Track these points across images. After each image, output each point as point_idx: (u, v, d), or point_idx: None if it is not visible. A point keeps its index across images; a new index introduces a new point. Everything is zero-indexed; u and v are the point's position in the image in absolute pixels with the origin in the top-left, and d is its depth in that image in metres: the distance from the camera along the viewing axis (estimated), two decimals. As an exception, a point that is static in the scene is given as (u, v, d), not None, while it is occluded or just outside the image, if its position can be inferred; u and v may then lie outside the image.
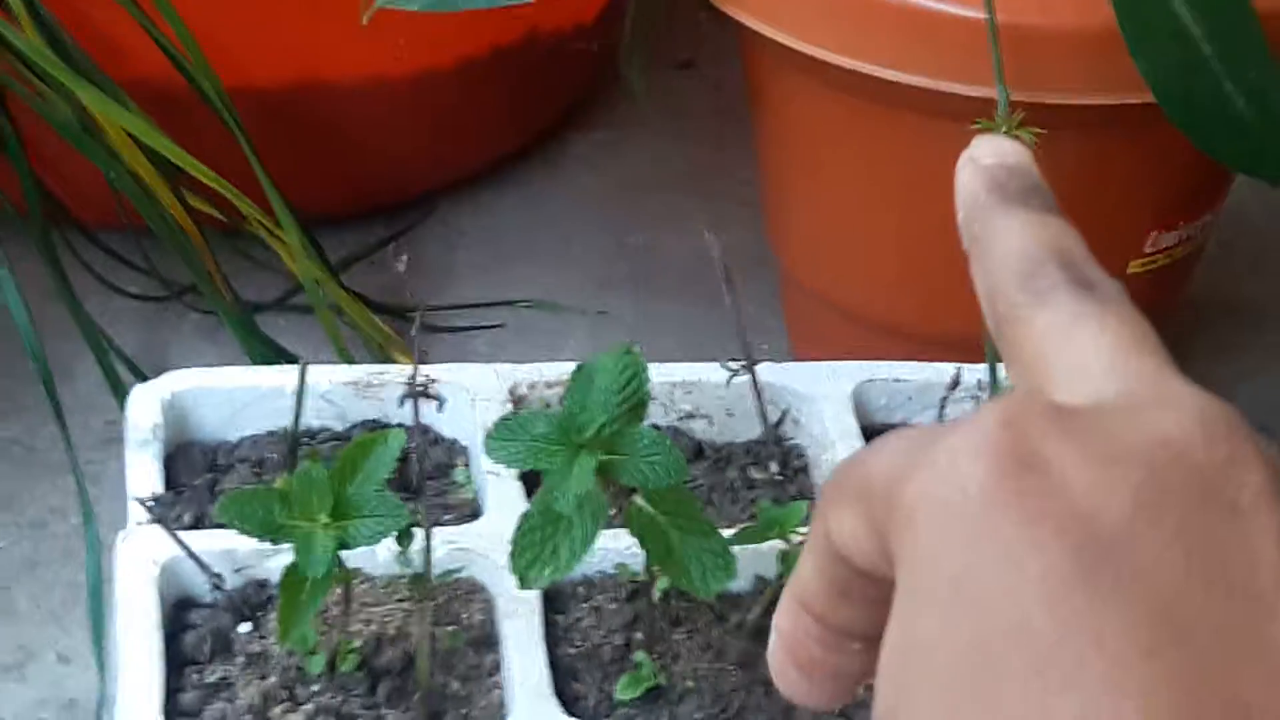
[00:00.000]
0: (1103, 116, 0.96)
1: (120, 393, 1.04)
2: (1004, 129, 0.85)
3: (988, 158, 0.42)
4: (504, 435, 0.73)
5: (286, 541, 0.73)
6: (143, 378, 1.03)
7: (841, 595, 0.36)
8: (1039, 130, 0.85)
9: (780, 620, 0.38)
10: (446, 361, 0.91)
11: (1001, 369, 0.87)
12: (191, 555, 0.79)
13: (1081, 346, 0.36)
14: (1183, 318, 1.20)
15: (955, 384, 0.87)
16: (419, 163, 1.33)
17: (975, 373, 0.89)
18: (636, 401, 0.74)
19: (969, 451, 0.33)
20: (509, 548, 0.72)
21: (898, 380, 0.92)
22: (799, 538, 0.78)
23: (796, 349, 1.18)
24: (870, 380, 0.92)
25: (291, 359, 1.12)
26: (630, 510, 0.73)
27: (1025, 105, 0.89)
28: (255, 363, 1.11)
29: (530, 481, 0.84)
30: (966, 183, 0.42)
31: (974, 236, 0.41)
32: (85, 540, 0.98)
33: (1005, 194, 0.40)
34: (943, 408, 0.87)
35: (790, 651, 0.37)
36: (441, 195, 1.34)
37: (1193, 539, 0.32)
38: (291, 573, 0.72)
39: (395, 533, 0.73)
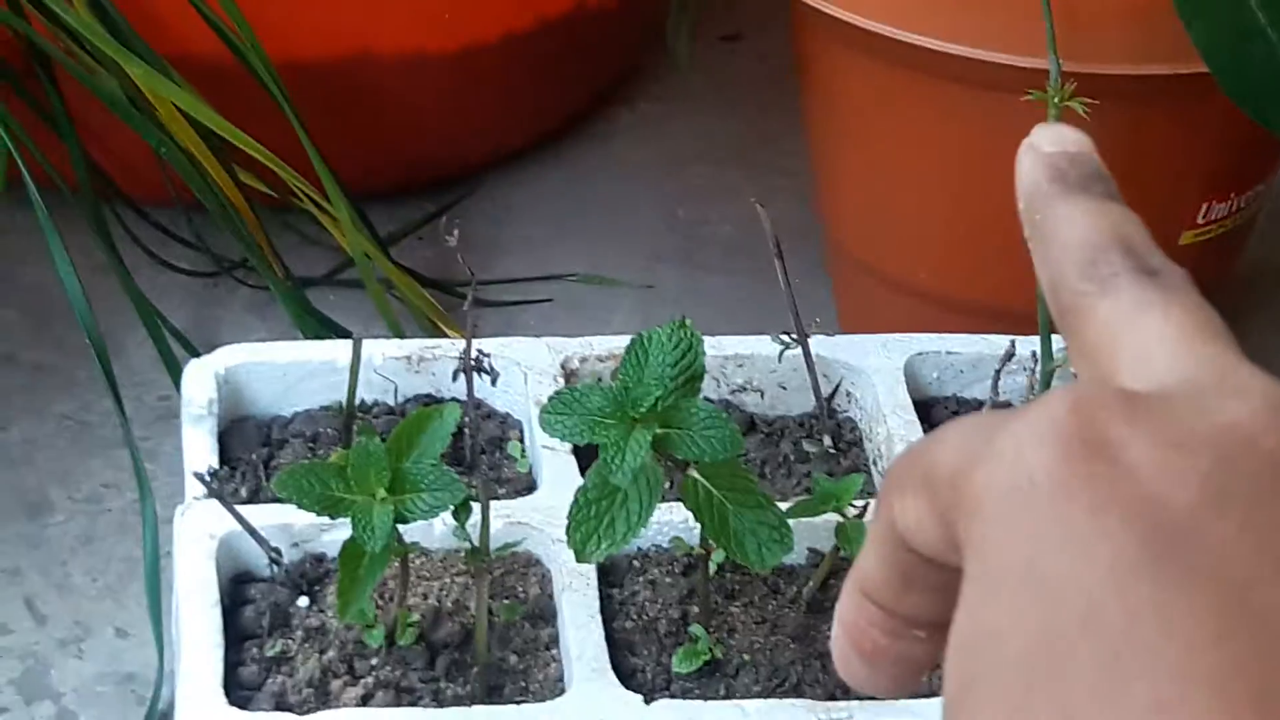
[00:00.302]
0: (1155, 87, 0.96)
1: (174, 368, 1.04)
2: (1056, 99, 0.85)
3: (1049, 145, 0.41)
4: (559, 409, 0.73)
5: (344, 516, 0.73)
6: (195, 353, 1.04)
7: (906, 583, 0.37)
8: (1091, 100, 0.85)
9: (843, 610, 0.38)
10: (496, 336, 0.91)
11: (1055, 341, 0.87)
12: (249, 530, 0.79)
13: (1146, 334, 0.36)
14: (1235, 289, 1.20)
15: (1010, 356, 0.87)
16: (466, 137, 1.33)
17: (1028, 345, 0.88)
18: (691, 375, 0.74)
19: (1034, 439, 0.33)
20: (565, 522, 0.73)
21: (950, 353, 0.92)
22: (854, 510, 0.78)
23: (844, 321, 1.18)
24: (922, 353, 0.91)
25: (343, 334, 1.13)
26: (686, 484, 0.73)
27: (1077, 76, 0.89)
28: (307, 338, 1.12)
29: (585, 456, 0.84)
30: (1028, 171, 0.42)
31: (1035, 225, 0.40)
32: (142, 516, 0.98)
33: (1066, 182, 0.40)
34: (996, 380, 0.87)
35: (854, 640, 0.38)
36: (488, 170, 1.35)
37: (1262, 526, 0.32)
38: (350, 547, 0.73)
39: (452, 507, 0.73)
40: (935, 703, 0.74)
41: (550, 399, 0.73)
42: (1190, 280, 0.38)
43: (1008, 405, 0.90)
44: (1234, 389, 0.34)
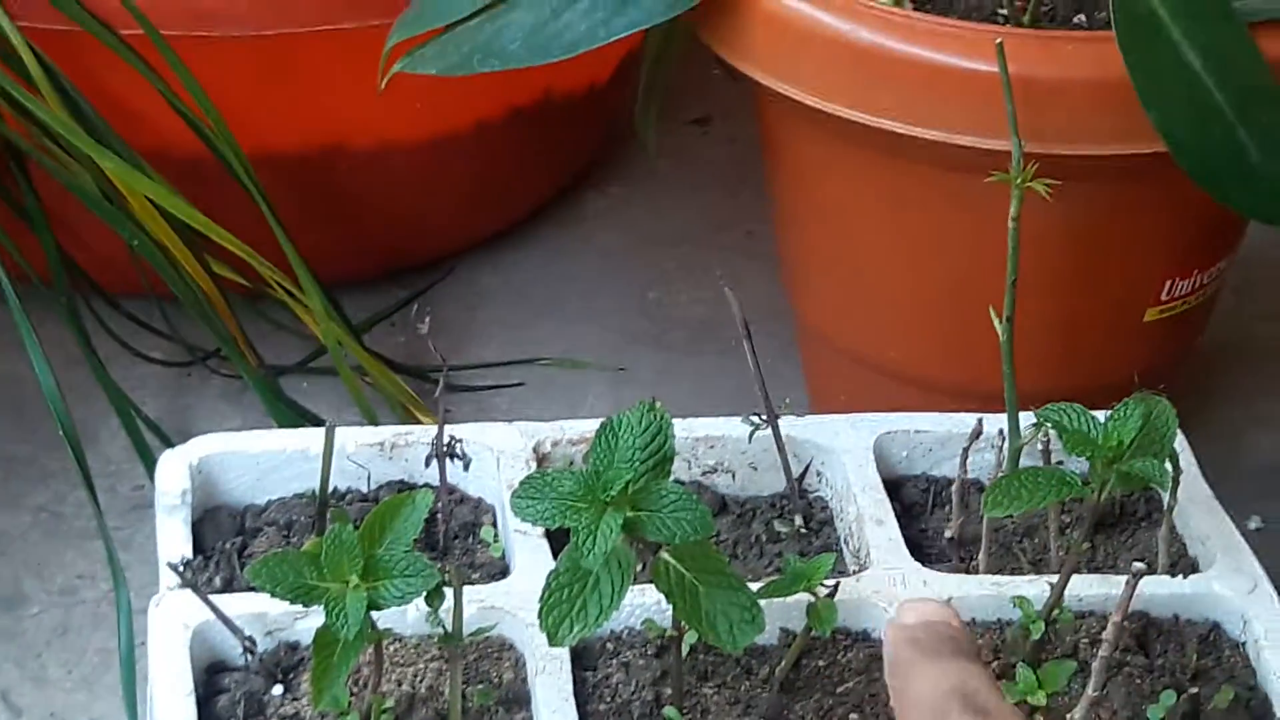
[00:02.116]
0: (1118, 167, 0.97)
1: (147, 458, 1.05)
2: (1019, 180, 0.86)
3: (911, 618, 0.52)
4: (530, 493, 0.74)
5: (318, 604, 0.73)
6: (168, 443, 1.04)
7: None
8: (1053, 181, 0.86)
9: None
10: (469, 420, 0.92)
11: (1024, 418, 0.88)
12: (223, 619, 0.79)
13: None
14: (1197, 363, 1.21)
15: (977, 435, 0.87)
16: (439, 225, 1.34)
17: (996, 422, 0.89)
18: (661, 458, 0.74)
19: None
20: (538, 606, 0.73)
21: (919, 431, 0.93)
22: (824, 590, 0.79)
23: (814, 399, 1.19)
24: (890, 432, 0.92)
25: (316, 421, 1.13)
26: (657, 566, 0.74)
27: (1039, 156, 0.90)
28: (280, 425, 1.12)
29: (557, 540, 0.84)
30: (890, 644, 0.51)
31: (894, 689, 0.50)
32: (116, 606, 0.98)
33: (920, 649, 0.50)
34: (964, 459, 0.88)
35: None
36: (460, 255, 1.36)
37: None
38: (323, 634, 0.73)
39: (425, 592, 0.73)
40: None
41: (521, 484, 0.74)
42: (1018, 712, 0.47)
43: (976, 483, 0.91)
44: None
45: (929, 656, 0.49)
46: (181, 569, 0.81)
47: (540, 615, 0.73)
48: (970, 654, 0.48)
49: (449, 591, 0.75)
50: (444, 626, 0.75)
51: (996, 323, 0.86)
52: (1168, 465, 0.76)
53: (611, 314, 1.33)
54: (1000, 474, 0.87)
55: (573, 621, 0.72)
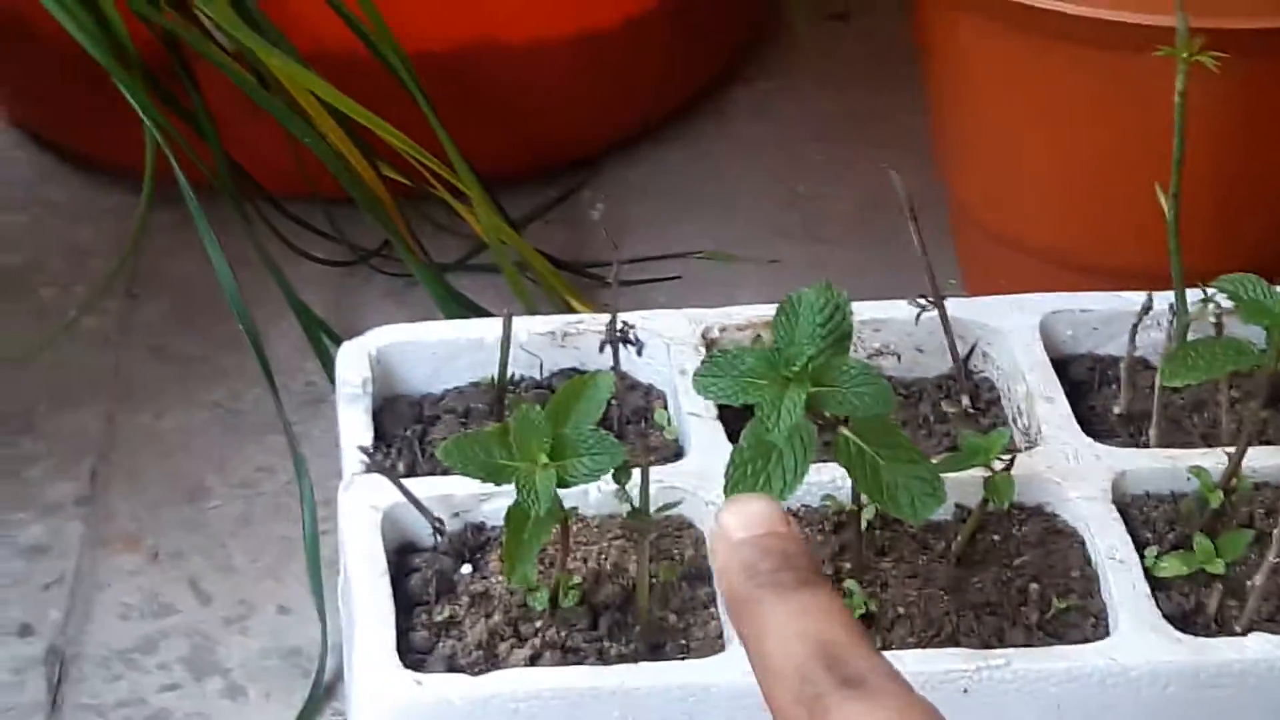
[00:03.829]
0: (1280, 40, 0.97)
1: (322, 352, 1.07)
2: (1185, 55, 0.86)
3: (737, 531, 0.44)
4: (714, 371, 0.75)
5: (508, 482, 0.75)
6: (337, 340, 1.07)
7: None
8: (1220, 55, 0.86)
9: None
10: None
11: (1191, 294, 0.88)
12: (413, 501, 0.82)
13: None
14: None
15: (1146, 310, 0.88)
16: (587, 121, 1.35)
17: (1164, 299, 0.89)
18: (841, 334, 0.75)
19: None
20: (716, 485, 0.75)
21: (1084, 310, 0.93)
22: (1000, 464, 0.80)
23: (971, 288, 1.19)
24: (1056, 312, 0.93)
25: (482, 315, 1.15)
26: (837, 441, 0.75)
27: (1202, 31, 0.90)
28: (449, 319, 1.14)
29: (730, 422, 0.86)
30: (721, 566, 0.44)
31: (740, 633, 0.44)
32: (300, 495, 1.01)
33: (757, 578, 0.43)
34: (1133, 335, 0.88)
35: None
36: (608, 152, 1.37)
37: None
38: (514, 512, 0.75)
39: (612, 470, 0.75)
40: (1089, 648, 0.76)
41: (704, 361, 0.75)
42: (895, 675, 0.40)
43: (1144, 361, 0.91)
44: None
45: (772, 593, 0.42)
46: (369, 453, 0.83)
47: (726, 489, 0.74)
48: (814, 577, 0.43)
49: (634, 470, 0.76)
50: (631, 503, 0.76)
51: (1163, 199, 0.86)
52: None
53: (760, 208, 1.34)
54: (1170, 348, 0.87)
55: (758, 495, 0.74)
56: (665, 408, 0.91)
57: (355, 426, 0.88)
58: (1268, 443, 0.87)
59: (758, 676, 0.42)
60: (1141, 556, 0.80)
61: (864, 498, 0.79)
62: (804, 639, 0.41)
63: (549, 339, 0.92)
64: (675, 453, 0.88)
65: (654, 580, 0.80)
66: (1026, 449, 0.86)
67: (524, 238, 1.24)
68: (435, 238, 1.25)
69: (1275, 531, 0.75)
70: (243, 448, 1.14)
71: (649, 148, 1.38)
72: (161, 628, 1.03)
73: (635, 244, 1.29)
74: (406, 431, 0.89)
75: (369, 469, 0.83)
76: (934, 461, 0.77)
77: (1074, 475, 0.83)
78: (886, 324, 0.93)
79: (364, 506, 0.82)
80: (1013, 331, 0.92)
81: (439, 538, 0.82)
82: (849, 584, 0.80)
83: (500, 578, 0.80)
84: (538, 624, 0.79)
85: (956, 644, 0.77)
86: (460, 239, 1.25)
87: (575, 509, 0.80)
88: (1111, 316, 0.93)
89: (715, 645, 0.78)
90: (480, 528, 0.83)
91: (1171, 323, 0.89)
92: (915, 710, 0.40)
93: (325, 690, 0.99)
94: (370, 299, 1.25)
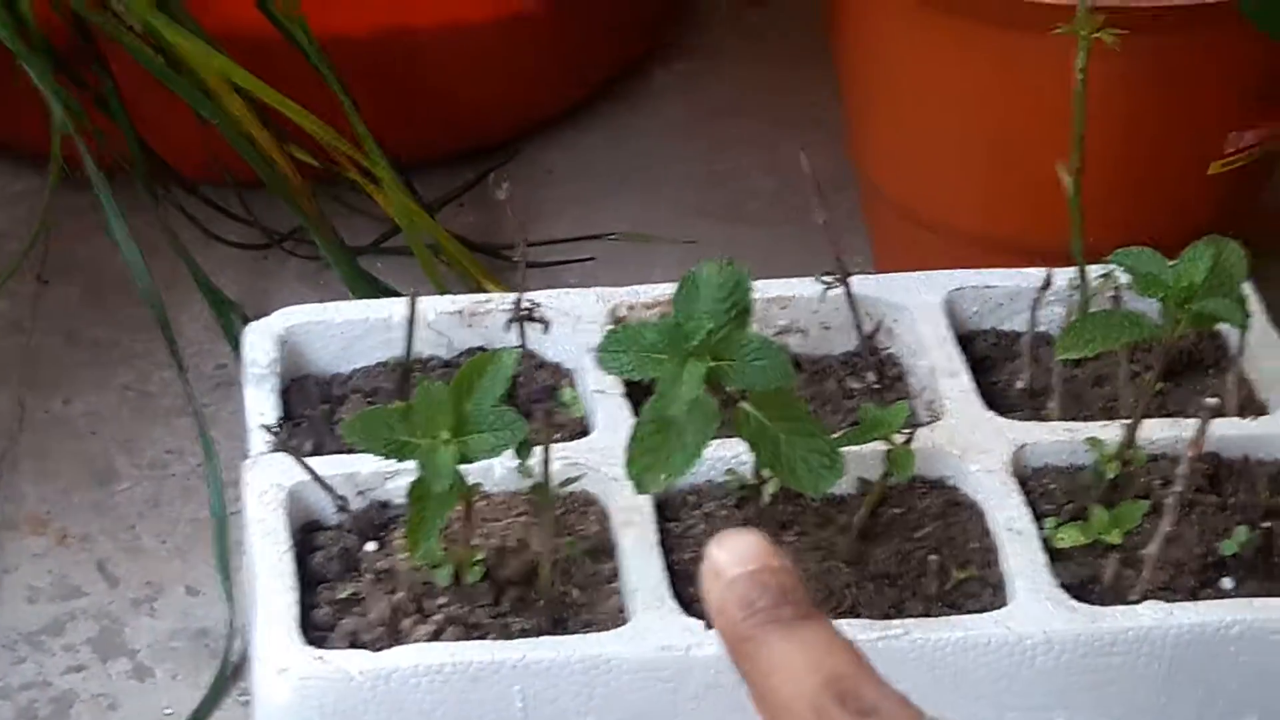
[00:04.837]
0: (1181, 17, 0.98)
1: (231, 335, 1.07)
2: (1085, 33, 0.87)
3: (731, 567, 0.44)
4: (614, 346, 0.75)
5: (411, 458, 0.75)
6: (248, 323, 1.06)
7: None
8: (1120, 31, 0.87)
9: None
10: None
11: (1092, 270, 0.89)
12: (317, 479, 0.82)
13: None
14: (1261, 221, 1.21)
15: (1047, 285, 0.89)
16: (505, 105, 1.35)
17: (1065, 276, 0.90)
18: (741, 309, 0.76)
19: None
20: (621, 461, 0.75)
21: (988, 287, 0.94)
22: (900, 438, 0.80)
23: (880, 266, 1.20)
24: (961, 288, 0.94)
25: (393, 296, 1.15)
26: (738, 415, 0.76)
27: (1103, 9, 0.91)
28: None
29: (636, 400, 0.86)
30: (716, 604, 0.44)
31: (746, 674, 0.42)
32: (206, 477, 1.01)
33: (759, 617, 0.42)
34: (1035, 311, 0.89)
35: None
36: (526, 136, 1.37)
37: None
38: (417, 487, 0.75)
39: (515, 445, 0.75)
40: (986, 617, 0.77)
41: (606, 337, 0.75)
42: (905, 704, 0.41)
43: (1046, 336, 0.92)
44: None
45: (775, 630, 0.42)
46: (274, 431, 0.83)
47: (627, 464, 0.74)
48: (812, 609, 0.42)
49: (536, 447, 0.77)
50: (533, 478, 0.77)
51: (1064, 176, 0.87)
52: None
53: (679, 189, 1.34)
54: (1073, 320, 0.88)
55: (659, 469, 0.74)
56: (573, 386, 0.91)
57: (261, 406, 0.88)
58: (1167, 415, 0.88)
59: (763, 713, 0.42)
60: (1040, 528, 0.80)
61: (765, 472, 0.79)
62: (813, 673, 0.41)
63: (456, 318, 0.92)
64: (582, 430, 0.88)
65: (557, 556, 0.80)
66: (929, 424, 0.87)
67: (439, 221, 1.23)
68: (349, 221, 1.25)
69: (1168, 501, 0.76)
70: (152, 430, 1.14)
71: (568, 130, 1.39)
72: (69, 610, 1.03)
73: (552, 226, 1.29)
74: (314, 411, 0.89)
75: (274, 447, 0.83)
76: (835, 436, 0.77)
77: (975, 448, 0.84)
78: (793, 301, 0.94)
79: (268, 484, 0.82)
80: (918, 308, 0.92)
81: (343, 515, 0.82)
82: (751, 558, 0.80)
83: (405, 555, 0.80)
84: (441, 600, 0.79)
85: (857, 615, 0.78)
86: (375, 222, 1.25)
87: (479, 485, 0.80)
88: (1015, 293, 0.93)
89: (617, 619, 0.78)
90: (385, 505, 0.84)
91: (1072, 298, 0.90)
92: None
93: (232, 671, 0.99)
94: (284, 282, 1.24)
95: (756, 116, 1.40)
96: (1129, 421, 0.81)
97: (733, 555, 0.44)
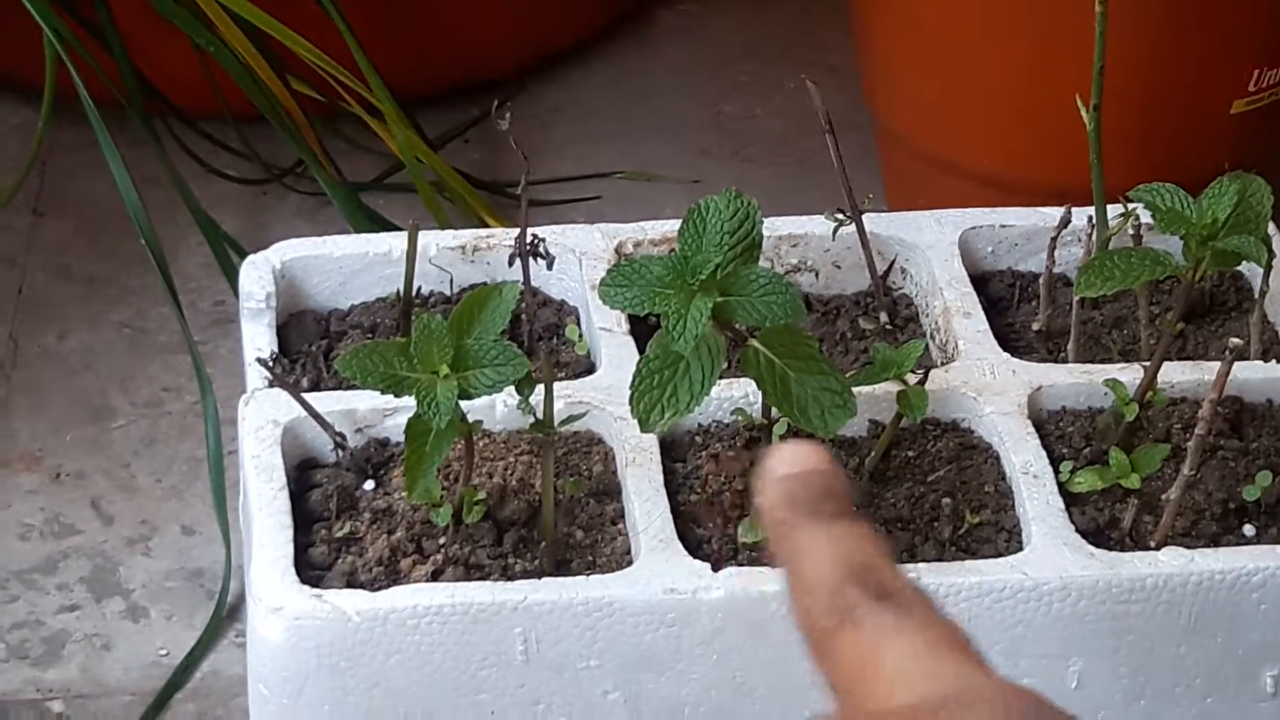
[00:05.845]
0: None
1: (229, 271, 1.05)
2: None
3: (782, 468, 0.46)
4: (619, 280, 0.73)
5: (408, 394, 0.73)
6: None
7: None
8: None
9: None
10: (548, 227, 0.91)
11: (1111, 209, 0.87)
12: (314, 415, 0.80)
13: (889, 657, 0.42)
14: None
15: (1065, 224, 0.86)
16: (511, 38, 1.33)
17: (1084, 215, 0.88)
18: (750, 243, 0.74)
19: None
20: (626, 400, 0.73)
21: (1004, 226, 0.92)
22: (914, 378, 0.78)
23: (892, 206, 1.18)
24: (976, 227, 0.91)
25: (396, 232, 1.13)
26: (746, 353, 0.73)
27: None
28: (360, 236, 1.12)
29: (642, 337, 0.84)
30: (766, 501, 0.46)
31: (781, 559, 0.45)
32: (204, 414, 0.99)
33: (798, 508, 0.45)
34: (1052, 250, 0.87)
35: None
36: (532, 74, 1.35)
37: None
38: (415, 424, 0.73)
39: (515, 381, 0.73)
40: (1000, 562, 0.75)
41: (610, 271, 0.73)
42: (922, 594, 0.43)
43: (1063, 277, 0.90)
44: (974, 696, 0.41)
45: (810, 520, 0.45)
46: (270, 363, 0.81)
47: (631, 401, 0.72)
48: (852, 511, 0.46)
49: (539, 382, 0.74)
50: (535, 415, 0.75)
51: (1083, 111, 0.85)
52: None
53: (685, 129, 1.32)
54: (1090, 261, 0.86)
55: (664, 407, 0.72)
56: (577, 323, 0.89)
57: (259, 341, 0.86)
58: (1187, 358, 0.86)
59: (792, 596, 0.45)
60: (1057, 472, 0.78)
61: (775, 412, 0.77)
62: (838, 561, 0.44)
63: (458, 254, 0.90)
64: (587, 368, 0.86)
65: (560, 496, 0.78)
66: (943, 365, 0.85)
67: (443, 157, 1.21)
68: (353, 156, 1.22)
69: (1190, 445, 0.73)
70: (148, 367, 1.12)
71: (574, 70, 1.36)
72: (62, 548, 1.01)
73: (558, 164, 1.27)
74: (312, 347, 0.87)
75: (270, 382, 0.81)
76: (847, 375, 0.75)
77: (990, 390, 0.82)
78: (804, 239, 0.92)
79: (265, 421, 0.80)
80: (931, 247, 0.90)
81: (341, 453, 0.80)
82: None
83: (404, 494, 0.78)
84: (441, 540, 0.77)
85: (867, 560, 0.76)
86: (377, 157, 1.22)
87: (480, 423, 0.78)
88: (1032, 232, 0.91)
89: (623, 561, 0.76)
90: (384, 443, 0.82)
91: (1091, 237, 0.88)
92: (941, 623, 0.43)
93: (228, 612, 0.97)
94: (283, 217, 1.22)
95: (763, 59, 1.37)
96: (1149, 364, 0.79)
97: (784, 460, 0.47)
